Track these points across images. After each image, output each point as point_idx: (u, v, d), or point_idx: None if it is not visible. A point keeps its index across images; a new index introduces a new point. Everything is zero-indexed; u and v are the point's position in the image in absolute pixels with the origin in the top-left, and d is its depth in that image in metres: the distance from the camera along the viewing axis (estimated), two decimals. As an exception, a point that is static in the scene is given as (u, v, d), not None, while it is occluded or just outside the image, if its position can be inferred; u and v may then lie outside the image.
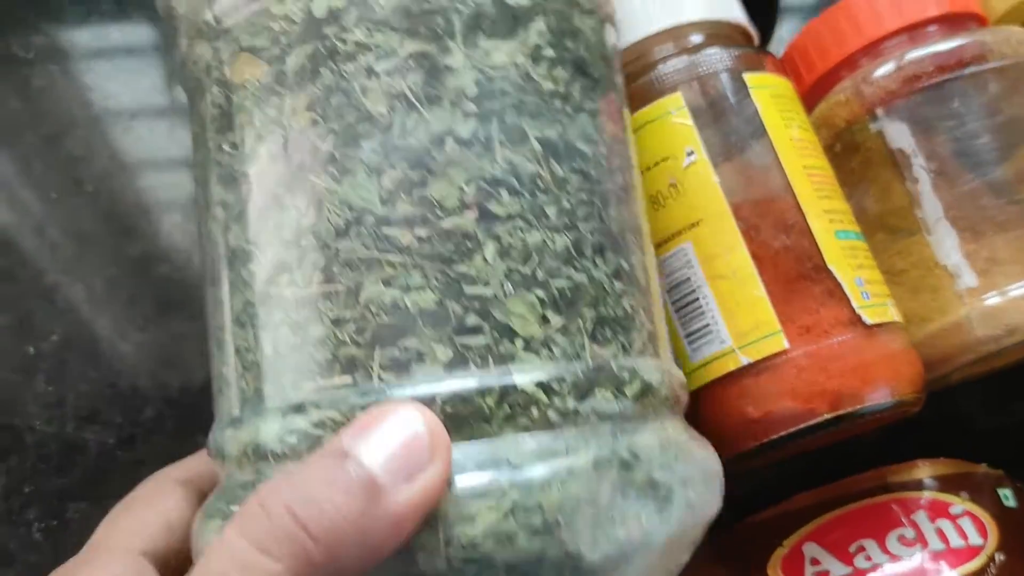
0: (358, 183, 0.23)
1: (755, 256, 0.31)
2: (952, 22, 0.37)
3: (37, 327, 0.37)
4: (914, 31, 0.36)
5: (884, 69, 0.35)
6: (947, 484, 0.36)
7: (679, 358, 0.32)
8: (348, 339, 0.23)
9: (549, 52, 0.25)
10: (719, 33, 0.35)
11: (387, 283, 0.23)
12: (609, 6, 0.29)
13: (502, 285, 0.23)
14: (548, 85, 0.25)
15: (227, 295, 0.25)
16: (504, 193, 0.24)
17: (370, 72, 0.24)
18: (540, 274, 0.24)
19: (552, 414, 0.23)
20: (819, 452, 0.35)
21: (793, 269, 0.31)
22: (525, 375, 0.23)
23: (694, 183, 0.32)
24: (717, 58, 0.33)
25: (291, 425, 0.23)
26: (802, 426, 0.31)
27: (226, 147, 0.26)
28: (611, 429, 0.24)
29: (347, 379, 0.23)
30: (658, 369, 0.25)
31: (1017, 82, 0.35)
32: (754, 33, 0.37)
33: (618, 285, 0.25)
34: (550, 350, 0.23)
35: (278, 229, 0.24)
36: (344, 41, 0.24)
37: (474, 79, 0.24)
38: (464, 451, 0.22)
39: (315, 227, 0.24)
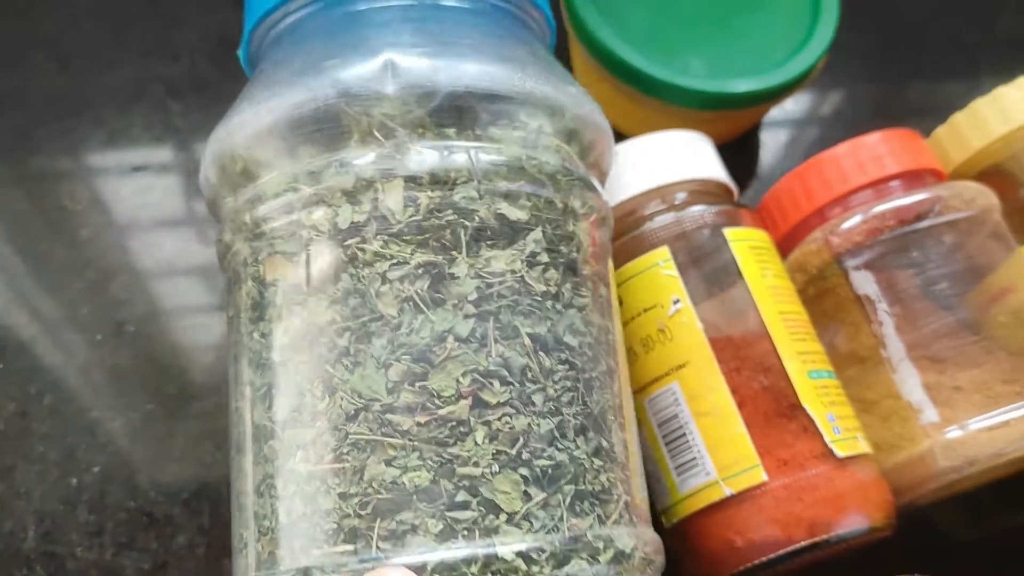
0: (368, 375, 0.27)
1: (736, 395, 0.35)
2: (911, 178, 0.41)
3: (80, 460, 0.40)
4: (876, 187, 0.40)
5: (849, 222, 0.39)
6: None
7: (669, 488, 0.35)
8: (352, 512, 0.26)
9: (543, 258, 0.29)
10: (702, 191, 0.39)
11: (388, 463, 0.26)
12: (606, 208, 0.33)
13: (490, 465, 0.26)
14: (540, 287, 0.29)
15: (250, 466, 0.29)
16: (496, 383, 0.27)
17: (384, 278, 0.28)
18: (525, 455, 0.27)
19: (532, 581, 0.26)
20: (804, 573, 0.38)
21: (771, 407, 0.34)
22: (507, 546, 0.26)
23: (680, 329, 0.36)
24: (700, 215, 0.37)
25: None
26: (781, 552, 0.34)
27: (257, 335, 0.29)
28: (586, 593, 0.27)
29: (349, 547, 0.26)
30: (632, 536, 0.28)
31: (968, 233, 0.39)
32: (734, 189, 0.41)
33: (597, 462, 0.28)
34: (531, 523, 0.26)
35: (297, 411, 0.28)
36: (363, 250, 0.28)
37: (475, 285, 0.28)
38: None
39: (329, 411, 0.27)
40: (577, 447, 0.28)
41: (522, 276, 0.28)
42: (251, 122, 0.29)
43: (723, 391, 0.35)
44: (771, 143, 0.52)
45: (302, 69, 0.29)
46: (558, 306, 0.29)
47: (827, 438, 0.34)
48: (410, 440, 0.26)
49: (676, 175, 0.39)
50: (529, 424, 0.27)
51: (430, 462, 0.26)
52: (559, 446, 0.27)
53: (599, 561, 0.27)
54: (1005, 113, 0.43)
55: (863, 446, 0.35)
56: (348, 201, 0.28)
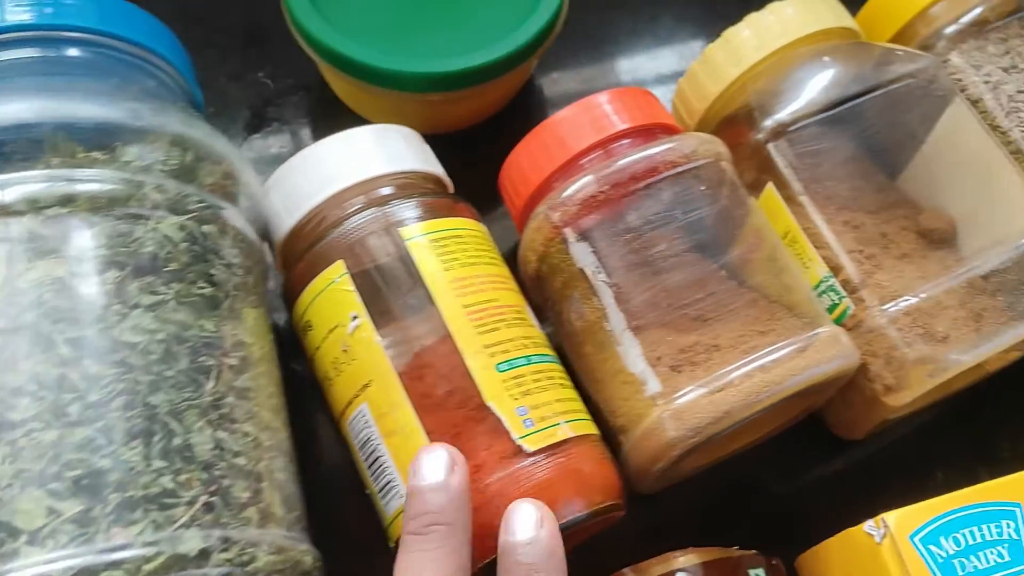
0: None
1: (418, 408, 0.33)
2: (641, 136, 0.39)
3: None
4: (603, 150, 0.38)
5: (566, 192, 0.37)
6: (699, 573, 0.37)
7: (380, 512, 0.34)
8: None
9: (95, 263, 0.28)
10: (388, 190, 0.37)
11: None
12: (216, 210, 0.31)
13: (10, 486, 0.25)
14: (90, 290, 0.28)
15: None
16: (24, 400, 0.26)
17: None
18: (53, 468, 0.26)
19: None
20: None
21: (457, 413, 0.33)
22: (26, 570, 0.25)
23: (361, 347, 0.34)
24: (368, 220, 0.35)
25: None
26: (489, 560, 0.32)
27: None
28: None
29: None
30: (209, 538, 0.27)
31: (691, 188, 0.36)
32: (439, 176, 0.39)
33: (159, 464, 0.27)
34: (56, 540, 0.25)
35: None
36: None
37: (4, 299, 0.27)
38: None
39: None
40: (129, 451, 0.27)
41: (65, 282, 0.28)
42: None
43: (405, 406, 0.33)
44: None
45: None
46: (116, 307, 0.28)
47: (515, 435, 0.32)
48: None
49: (347, 179, 0.36)
50: (60, 436, 0.26)
51: None
52: (102, 453, 0.26)
53: (147, 569, 0.25)
54: (736, 55, 0.41)
55: (565, 432, 0.33)
56: None
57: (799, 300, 0.36)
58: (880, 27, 0.45)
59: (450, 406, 0.33)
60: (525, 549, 0.30)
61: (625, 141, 0.39)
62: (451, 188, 0.41)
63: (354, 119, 0.47)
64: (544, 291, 0.39)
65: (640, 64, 0.52)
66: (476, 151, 0.44)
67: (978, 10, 0.43)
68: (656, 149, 0.37)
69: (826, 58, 0.39)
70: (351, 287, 0.34)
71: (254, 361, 0.31)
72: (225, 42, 0.49)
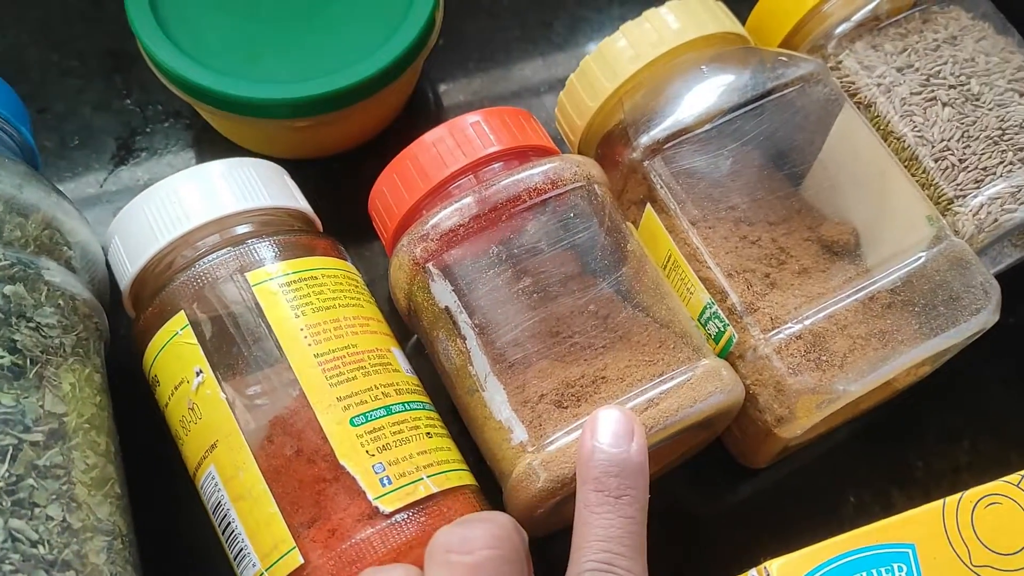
0: None
1: (267, 470, 0.30)
2: (516, 157, 0.36)
3: None
4: (452, 183, 0.36)
5: (427, 225, 0.34)
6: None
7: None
8: None
9: None
10: (227, 235, 0.34)
11: None
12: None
13: None
14: None
15: None
16: None
17: None
18: None
19: None
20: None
21: (308, 473, 0.30)
22: None
23: (206, 404, 0.31)
24: (212, 266, 0.33)
25: None
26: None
27: None
28: None
29: None
30: None
31: (560, 214, 0.34)
32: (304, 212, 0.37)
33: None
34: None
35: None
36: None
37: None
38: None
39: None
40: None
41: None
42: None
43: (252, 468, 0.30)
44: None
45: None
46: None
47: (371, 495, 0.30)
48: None
49: (193, 220, 0.34)
50: None
51: None
52: None
53: None
54: (611, 67, 0.38)
55: (428, 488, 0.31)
56: None
57: (684, 329, 0.34)
58: (771, 30, 0.42)
59: (300, 466, 0.30)
60: (610, 458, 0.29)
61: (496, 165, 0.36)
62: (317, 223, 0.38)
63: (227, 145, 0.44)
64: (417, 329, 0.36)
65: (536, 71, 0.49)
66: (361, 172, 0.41)
67: (871, 5, 0.40)
68: (519, 176, 0.34)
69: (705, 68, 0.37)
70: (194, 340, 0.32)
71: (68, 432, 0.29)
72: (88, 69, 0.47)
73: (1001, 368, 0.43)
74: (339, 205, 0.41)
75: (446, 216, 0.34)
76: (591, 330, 0.33)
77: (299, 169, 0.40)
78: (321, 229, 0.38)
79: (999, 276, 0.41)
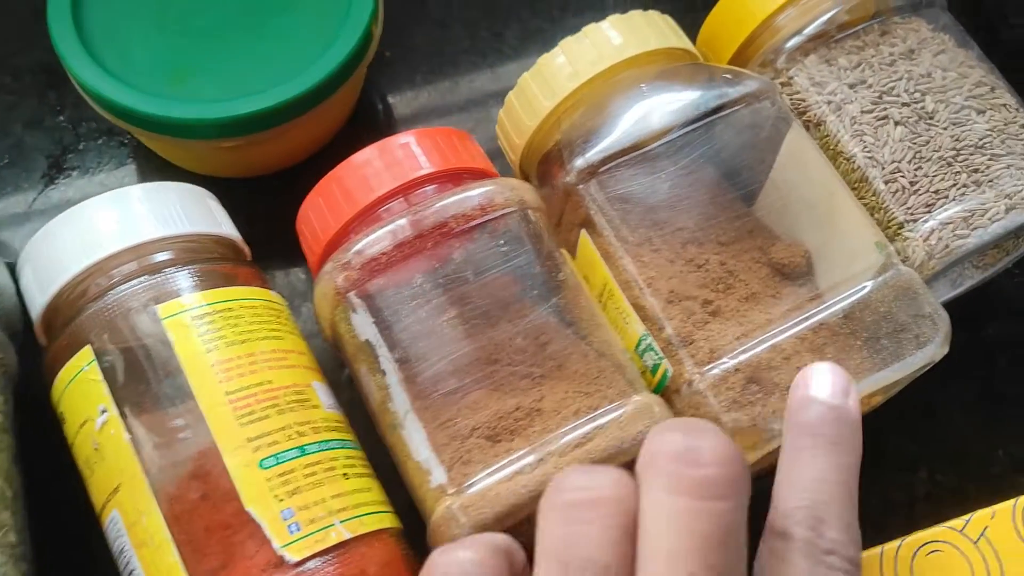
0: None
1: (170, 516, 0.29)
2: (451, 180, 0.35)
3: None
4: (381, 207, 0.34)
5: (351, 252, 0.33)
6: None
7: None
8: None
9: None
10: (144, 263, 0.33)
11: None
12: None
13: None
14: None
15: None
16: None
17: None
18: None
19: None
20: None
21: (213, 520, 0.29)
22: None
23: (109, 444, 0.30)
24: (130, 296, 0.31)
25: None
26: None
27: None
28: None
29: None
30: None
31: (488, 243, 0.33)
32: (232, 239, 0.35)
33: None
34: None
35: None
36: None
37: None
38: None
39: None
40: None
41: None
42: None
43: (155, 513, 0.29)
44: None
45: None
46: None
47: (277, 543, 0.28)
48: None
49: (106, 247, 0.32)
50: None
51: None
52: None
53: None
54: (549, 85, 0.37)
55: (340, 534, 0.29)
56: None
57: (620, 361, 0.33)
58: (722, 44, 0.41)
59: (206, 512, 0.29)
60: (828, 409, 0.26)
61: (429, 188, 0.35)
62: (244, 250, 0.36)
63: (161, 164, 0.43)
64: (344, 360, 0.35)
65: (486, 83, 0.48)
66: (300, 189, 0.38)
67: (827, 16, 0.39)
68: (447, 201, 0.33)
69: (645, 87, 0.35)
70: (100, 376, 0.30)
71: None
72: (22, 85, 0.45)
73: (963, 392, 0.41)
74: (274, 224, 0.39)
75: (370, 243, 0.33)
76: (528, 359, 0.32)
77: (235, 188, 0.39)
78: (248, 255, 0.37)
79: (961, 297, 0.40)
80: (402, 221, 0.32)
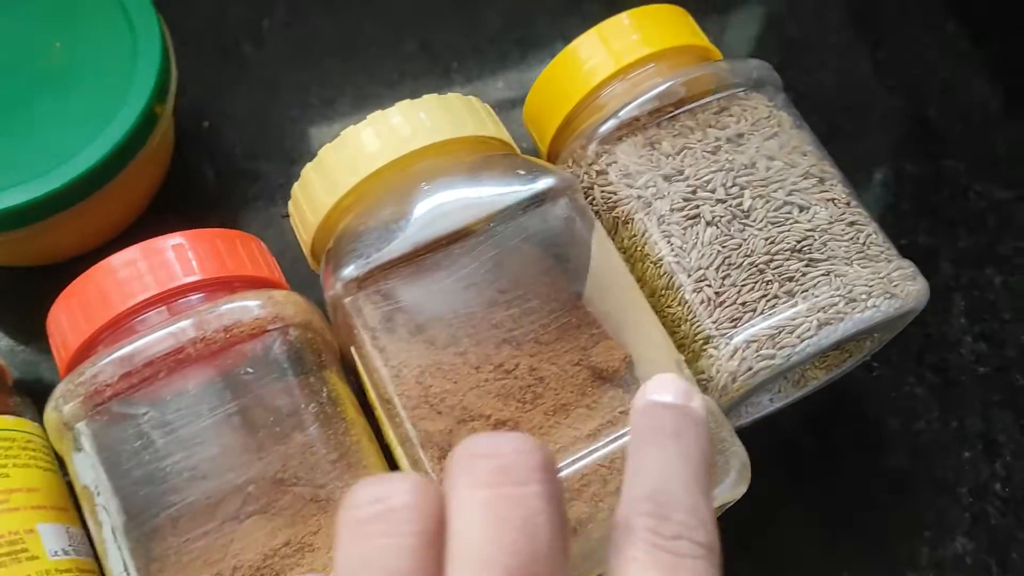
0: None
1: None
2: (222, 289, 0.31)
3: None
4: (136, 316, 0.31)
5: (80, 378, 0.29)
6: None
7: None
8: None
9: None
10: None
11: None
12: None
13: None
14: None
15: None
16: None
17: None
18: None
19: None
20: None
21: None
22: None
23: None
24: None
25: None
26: None
27: None
28: None
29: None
30: None
31: (230, 372, 0.29)
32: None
33: None
34: None
35: None
36: None
37: None
38: None
39: None
40: None
41: None
42: None
43: None
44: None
45: None
46: None
47: None
48: None
49: None
50: None
51: None
52: None
53: None
54: (329, 178, 0.33)
55: None
56: None
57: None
58: (544, 121, 0.37)
59: None
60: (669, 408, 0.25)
61: (195, 296, 0.31)
62: (8, 375, 0.33)
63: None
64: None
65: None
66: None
67: (655, 92, 0.35)
68: (180, 325, 0.29)
69: (426, 185, 0.32)
70: None
71: None
72: None
73: (802, 501, 0.38)
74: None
75: (102, 367, 0.29)
76: (267, 507, 0.28)
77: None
78: (10, 379, 0.33)
79: (793, 405, 0.37)
80: (131, 345, 0.29)
